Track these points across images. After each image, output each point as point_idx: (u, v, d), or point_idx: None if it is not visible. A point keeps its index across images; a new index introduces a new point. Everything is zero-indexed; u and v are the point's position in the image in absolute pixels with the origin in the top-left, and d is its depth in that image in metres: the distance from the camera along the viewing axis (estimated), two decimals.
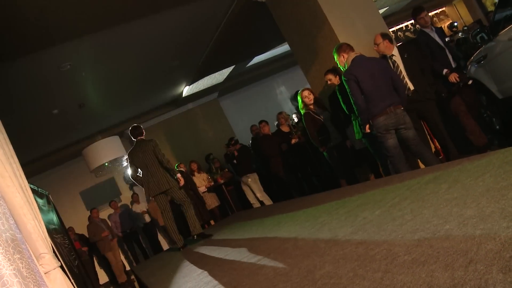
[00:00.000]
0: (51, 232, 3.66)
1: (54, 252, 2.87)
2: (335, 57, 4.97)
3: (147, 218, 11.20)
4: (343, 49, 4.86)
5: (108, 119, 11.21)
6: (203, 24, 8.09)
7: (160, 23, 7.25)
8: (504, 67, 5.10)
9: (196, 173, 10.04)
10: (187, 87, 11.76)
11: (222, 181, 10.03)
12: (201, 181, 9.93)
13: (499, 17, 5.25)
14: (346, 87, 4.63)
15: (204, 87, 12.58)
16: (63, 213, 6.83)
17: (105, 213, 11.49)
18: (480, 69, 5.73)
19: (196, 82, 11.66)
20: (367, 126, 4.61)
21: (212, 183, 10.10)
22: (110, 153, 10.80)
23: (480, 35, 5.50)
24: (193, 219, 6.43)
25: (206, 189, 9.92)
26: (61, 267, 2.85)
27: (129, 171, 6.81)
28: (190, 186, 9.05)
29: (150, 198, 6.48)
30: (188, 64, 9.95)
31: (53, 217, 5.00)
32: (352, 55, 4.69)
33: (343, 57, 4.84)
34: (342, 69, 4.96)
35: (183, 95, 12.38)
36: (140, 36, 7.29)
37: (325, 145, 6.16)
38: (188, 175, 9.62)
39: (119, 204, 11.88)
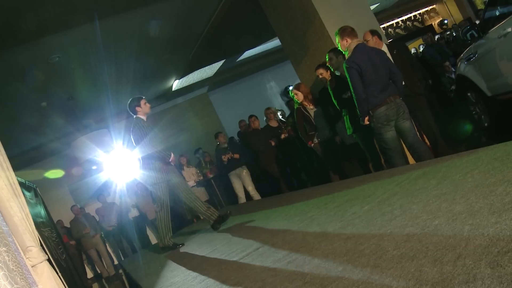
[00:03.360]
0: (38, 226, 3.63)
1: (41, 245, 2.84)
2: (337, 39, 4.72)
3: (136, 212, 11.15)
4: (347, 32, 4.62)
5: (97, 112, 11.13)
6: (194, 18, 8.05)
7: (150, 16, 7.19)
8: (493, 65, 5.13)
9: (185, 167, 10.01)
10: (177, 81, 11.70)
11: (211, 175, 10.00)
12: (190, 175, 9.90)
13: (489, 15, 5.28)
14: (347, 75, 4.48)
15: (194, 81, 12.53)
16: (51, 207, 6.78)
17: (94, 206, 11.42)
18: (469, 66, 5.78)
19: (186, 76, 11.60)
20: (366, 118, 4.48)
21: (201, 178, 10.07)
22: (99, 146, 10.70)
23: (470, 32, 5.52)
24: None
25: (195, 184, 9.89)
26: (49, 260, 2.83)
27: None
28: None
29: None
30: (178, 58, 9.89)
31: (41, 210, 4.96)
32: (355, 42, 4.54)
33: (346, 41, 4.60)
34: (342, 53, 4.81)
35: (173, 89, 12.32)
36: (130, 30, 7.23)
37: (312, 140, 6.15)
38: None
39: (108, 198, 11.81)
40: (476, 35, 5.45)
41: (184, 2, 7.19)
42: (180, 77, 11.46)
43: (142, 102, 5.39)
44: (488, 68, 5.32)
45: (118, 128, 11.54)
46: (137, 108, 5.36)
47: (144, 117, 5.40)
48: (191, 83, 12.49)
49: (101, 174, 12.25)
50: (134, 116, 5.49)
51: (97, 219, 10.90)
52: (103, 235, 10.90)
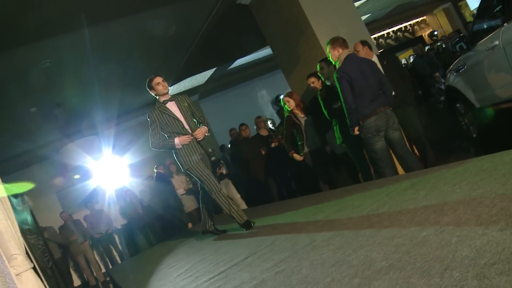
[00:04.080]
0: (24, 233, 3.58)
1: (27, 253, 2.80)
2: (328, 48, 4.72)
3: (124, 220, 11.07)
4: (339, 43, 4.64)
5: (87, 119, 11.06)
6: (186, 26, 8.05)
7: (142, 23, 7.18)
8: (481, 77, 5.18)
9: (174, 175, 9.97)
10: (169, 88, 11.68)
11: None
12: (180, 183, 9.86)
13: (477, 27, 5.34)
14: (337, 85, 4.49)
15: (185, 89, 12.53)
16: (39, 214, 6.71)
17: (83, 213, 11.32)
18: (458, 78, 5.83)
19: (177, 84, 11.59)
20: (356, 128, 4.49)
21: (191, 186, 10.04)
22: (88, 153, 10.67)
23: (459, 44, 5.58)
24: None
25: (184, 191, 9.86)
26: (34, 268, 2.79)
27: None
28: None
29: None
30: (170, 65, 9.89)
31: (28, 217, 4.91)
32: (346, 53, 4.55)
33: (338, 51, 4.61)
34: (333, 63, 4.82)
35: None
36: (120, 37, 7.22)
37: (296, 151, 6.14)
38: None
39: (96, 205, 11.72)
40: (465, 47, 5.51)
41: (176, 10, 7.20)
42: (171, 84, 11.44)
43: (154, 82, 4.76)
44: (477, 79, 5.37)
45: (107, 135, 11.50)
46: (152, 91, 4.83)
47: (162, 99, 4.79)
48: (182, 90, 12.48)
49: (90, 181, 12.18)
50: None
51: (86, 226, 10.81)
52: (91, 243, 10.81)
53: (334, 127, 5.35)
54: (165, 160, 10.85)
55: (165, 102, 4.74)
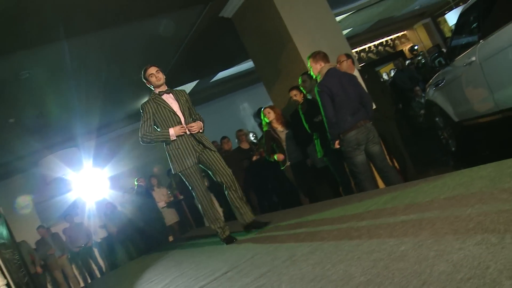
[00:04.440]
0: None
1: (0, 268, 2.74)
2: (309, 62, 4.73)
3: (104, 233, 10.92)
4: (320, 56, 4.67)
5: (67, 131, 10.94)
6: (168, 38, 8.05)
7: (124, 35, 7.16)
8: (459, 92, 5.27)
9: (155, 188, 9.89)
10: None
11: (181, 197, 9.91)
12: (161, 196, 9.78)
13: (455, 43, 5.45)
14: (318, 99, 4.51)
15: None
16: (16, 227, 6.58)
17: (62, 226, 11.13)
18: (437, 92, 5.92)
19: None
20: (337, 142, 4.50)
21: (172, 198, 9.97)
22: (68, 165, 10.53)
23: (438, 59, 5.67)
24: None
25: (165, 205, 9.78)
26: (7, 285, 2.73)
27: None
28: None
29: None
30: None
31: (3, 231, 4.80)
32: (327, 67, 4.59)
33: (320, 65, 4.63)
34: (313, 77, 4.83)
35: None
36: (102, 49, 7.18)
37: (276, 165, 6.14)
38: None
39: (76, 218, 11.54)
40: (443, 62, 5.60)
41: (158, 22, 7.19)
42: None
43: (147, 73, 4.40)
44: (455, 94, 5.46)
45: (88, 147, 11.39)
46: (147, 83, 4.44)
47: (157, 90, 4.39)
48: None
49: (70, 193, 12.02)
50: None
51: (64, 240, 10.62)
52: (69, 256, 10.61)
53: (315, 141, 5.37)
54: (146, 173, 10.78)
55: (161, 93, 4.35)
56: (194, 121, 4.39)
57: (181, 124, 4.28)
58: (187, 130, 4.25)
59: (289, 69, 6.40)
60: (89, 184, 11.72)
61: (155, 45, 8.02)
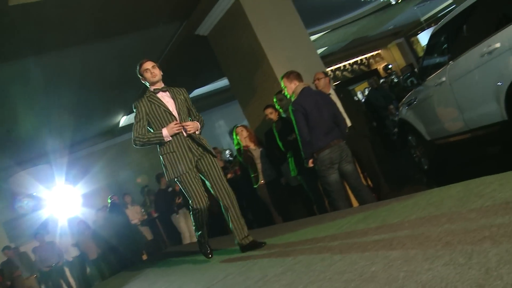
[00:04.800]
0: None
1: None
2: (283, 82, 4.73)
3: (76, 252, 10.68)
4: (294, 75, 4.69)
5: (39, 147, 10.74)
6: (144, 55, 7.99)
7: (98, 52, 7.11)
8: (431, 111, 5.37)
9: (129, 206, 9.77)
10: (125, 117, 11.54)
11: (156, 215, 9.80)
12: (134, 214, 9.66)
13: (426, 63, 5.56)
14: (292, 118, 4.52)
15: None
16: None
17: (32, 245, 10.85)
18: (410, 111, 6.01)
19: (134, 113, 11.45)
20: (311, 160, 4.50)
21: (146, 216, 9.85)
22: (40, 182, 10.33)
23: (410, 79, 5.78)
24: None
25: (139, 222, 9.66)
26: None
27: None
28: None
29: None
30: (126, 94, 9.78)
31: None
32: (301, 86, 4.61)
33: (294, 84, 4.64)
34: (287, 97, 4.84)
35: (120, 125, 12.13)
36: (76, 65, 7.11)
37: (250, 184, 6.13)
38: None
39: (47, 237, 11.27)
40: (415, 82, 5.71)
41: (134, 39, 7.17)
42: (128, 113, 11.31)
43: (142, 69, 3.98)
44: (427, 113, 5.56)
45: (60, 164, 11.20)
46: (142, 79, 4.04)
47: (152, 87, 3.97)
48: None
49: (41, 211, 11.77)
50: None
51: (34, 259, 10.33)
52: (39, 277, 10.33)
53: (289, 159, 5.38)
54: (120, 190, 10.65)
55: (156, 91, 3.94)
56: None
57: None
58: (182, 129, 3.81)
59: (264, 88, 6.44)
60: (61, 202, 11.50)
61: (130, 62, 7.94)
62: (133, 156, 13.14)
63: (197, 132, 3.95)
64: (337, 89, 5.70)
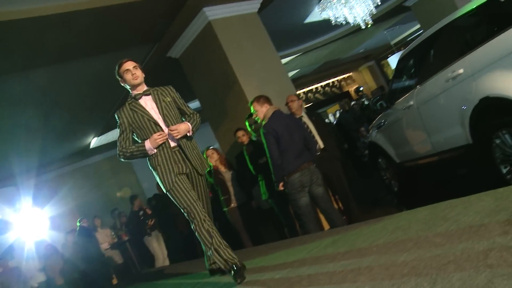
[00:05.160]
0: None
1: None
2: (253, 106, 4.70)
3: (42, 277, 10.36)
4: (264, 99, 4.70)
5: (5, 169, 10.46)
6: (115, 77, 7.95)
7: (69, 73, 7.02)
8: (400, 134, 5.45)
9: (99, 229, 9.57)
10: (96, 138, 11.39)
11: (126, 238, 9.62)
12: (104, 237, 9.46)
13: (395, 86, 5.66)
14: (264, 141, 4.51)
15: (114, 139, 12.24)
16: None
17: None
18: (379, 134, 6.10)
19: (105, 134, 11.33)
20: (281, 184, 4.49)
21: (116, 240, 9.66)
22: (6, 205, 10.04)
23: (379, 103, 5.87)
24: None
25: (109, 246, 9.46)
26: None
27: None
28: None
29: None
30: (98, 115, 9.67)
31: None
32: (272, 109, 4.61)
33: (265, 108, 4.63)
34: (258, 121, 4.83)
35: (91, 147, 11.95)
36: (46, 85, 6.99)
37: (227, 205, 6.09)
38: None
39: (11, 262, 10.92)
40: (384, 105, 5.80)
41: (105, 60, 7.11)
42: (99, 134, 11.17)
43: (122, 69, 3.50)
44: (396, 136, 5.65)
45: (27, 186, 10.93)
46: (121, 81, 3.56)
47: (134, 92, 3.49)
48: (110, 141, 12.19)
49: (6, 235, 11.41)
50: None
51: None
52: None
53: (260, 182, 5.37)
54: (90, 213, 10.43)
55: (137, 96, 3.45)
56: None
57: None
58: (167, 137, 3.37)
59: (235, 110, 6.45)
60: (28, 225, 11.18)
61: (101, 83, 7.90)
62: (104, 177, 12.95)
63: (189, 134, 3.45)
64: (309, 112, 5.75)
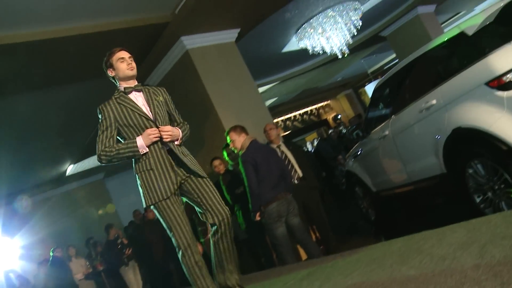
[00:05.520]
0: None
1: None
2: (231, 136, 4.66)
3: None
4: (241, 129, 4.70)
5: None
6: (93, 104, 7.88)
7: (44, 100, 6.95)
8: (376, 163, 5.49)
9: (73, 259, 9.33)
10: (72, 165, 11.21)
11: (101, 268, 9.39)
12: (79, 267, 9.22)
13: (371, 115, 5.73)
14: (242, 170, 4.50)
15: (90, 167, 12.08)
16: None
17: None
18: (356, 163, 6.13)
19: (82, 161, 11.17)
20: (258, 213, 4.46)
21: (91, 270, 9.41)
22: None
23: (355, 132, 5.92)
24: None
25: (83, 276, 9.21)
26: None
27: None
28: None
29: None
30: (74, 142, 9.55)
31: None
32: (249, 139, 4.63)
33: (243, 137, 4.63)
34: (235, 151, 4.81)
35: (67, 174, 11.76)
36: (19, 112, 6.89)
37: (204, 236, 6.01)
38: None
39: None
40: (360, 134, 5.86)
41: (81, 89, 7.06)
42: (75, 162, 11.01)
43: (114, 58, 3.08)
44: (372, 166, 5.68)
45: None
46: (110, 72, 3.11)
47: (123, 85, 3.06)
48: (86, 168, 12.02)
49: None
50: None
51: None
52: None
53: (237, 212, 5.33)
54: (63, 242, 10.18)
55: (127, 90, 3.04)
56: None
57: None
58: (161, 135, 2.92)
59: (212, 140, 6.43)
60: None
61: (76, 112, 7.83)
62: (79, 205, 12.71)
63: (176, 142, 3.01)
64: (286, 142, 5.76)
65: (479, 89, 3.47)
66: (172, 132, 2.96)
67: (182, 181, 2.98)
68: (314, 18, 8.56)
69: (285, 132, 16.86)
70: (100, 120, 2.98)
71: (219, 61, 6.57)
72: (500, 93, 3.29)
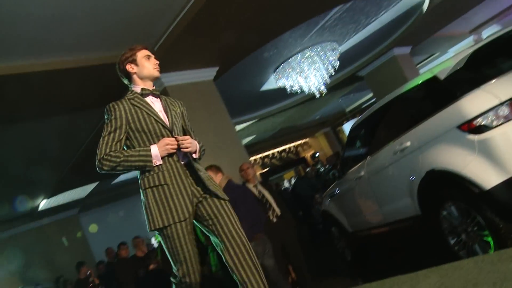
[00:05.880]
0: None
1: None
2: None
3: None
4: (217, 168, 4.70)
5: None
6: (68, 138, 7.80)
7: (18, 132, 6.83)
8: (352, 204, 5.49)
9: None
10: (45, 200, 10.96)
11: None
12: None
13: (347, 155, 5.77)
14: None
15: (64, 202, 11.83)
16: None
17: None
18: (332, 203, 6.12)
19: (55, 196, 10.94)
20: None
21: None
22: None
23: (332, 172, 5.94)
24: None
25: None
26: None
27: None
28: None
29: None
30: (48, 177, 9.37)
31: None
32: (226, 178, 4.63)
33: (220, 176, 4.62)
34: None
35: (40, 209, 11.47)
36: None
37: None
38: None
39: None
40: (337, 174, 5.87)
41: (58, 124, 6.98)
42: (48, 196, 10.77)
43: (139, 55, 2.76)
44: (348, 206, 5.68)
45: None
46: (129, 67, 2.76)
47: (141, 86, 2.74)
48: (60, 203, 11.76)
49: None
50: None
51: None
52: None
53: (210, 254, 5.23)
54: (33, 281, 9.85)
55: (144, 92, 2.72)
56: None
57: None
58: (179, 146, 2.56)
59: None
60: None
61: (54, 144, 7.71)
62: (53, 242, 12.35)
63: (194, 155, 2.67)
64: (262, 181, 5.75)
65: (451, 132, 3.52)
66: (190, 142, 2.60)
67: (198, 202, 2.61)
68: (293, 57, 8.71)
69: (263, 169, 16.85)
70: (107, 120, 2.61)
71: (197, 99, 6.58)
72: (471, 136, 3.33)
